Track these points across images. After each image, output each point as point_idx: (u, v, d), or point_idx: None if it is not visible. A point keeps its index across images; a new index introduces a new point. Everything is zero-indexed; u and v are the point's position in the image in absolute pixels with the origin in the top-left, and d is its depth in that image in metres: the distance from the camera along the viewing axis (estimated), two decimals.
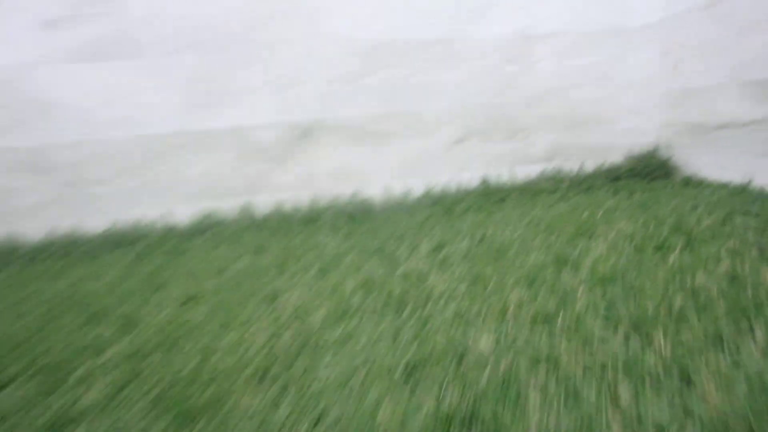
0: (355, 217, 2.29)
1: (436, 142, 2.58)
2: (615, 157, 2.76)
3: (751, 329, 1.01)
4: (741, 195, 2.03)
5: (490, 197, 2.47)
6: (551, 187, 2.55)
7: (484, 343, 1.03)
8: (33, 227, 2.26)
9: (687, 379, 0.89)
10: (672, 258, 1.34)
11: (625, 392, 0.86)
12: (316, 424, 0.87)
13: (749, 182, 2.15)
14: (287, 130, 2.38)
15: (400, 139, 2.53)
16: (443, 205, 2.39)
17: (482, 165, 2.65)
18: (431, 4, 2.50)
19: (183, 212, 2.31)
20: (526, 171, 2.68)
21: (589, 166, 2.74)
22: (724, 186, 2.21)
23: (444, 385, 0.92)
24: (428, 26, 2.51)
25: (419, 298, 1.26)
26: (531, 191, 2.53)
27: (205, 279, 1.65)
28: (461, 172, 2.62)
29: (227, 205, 2.34)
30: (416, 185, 2.55)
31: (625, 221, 1.77)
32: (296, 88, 2.38)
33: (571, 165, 2.72)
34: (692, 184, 2.38)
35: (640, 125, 2.77)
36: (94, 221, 2.31)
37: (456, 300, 1.23)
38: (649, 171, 2.63)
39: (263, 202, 2.36)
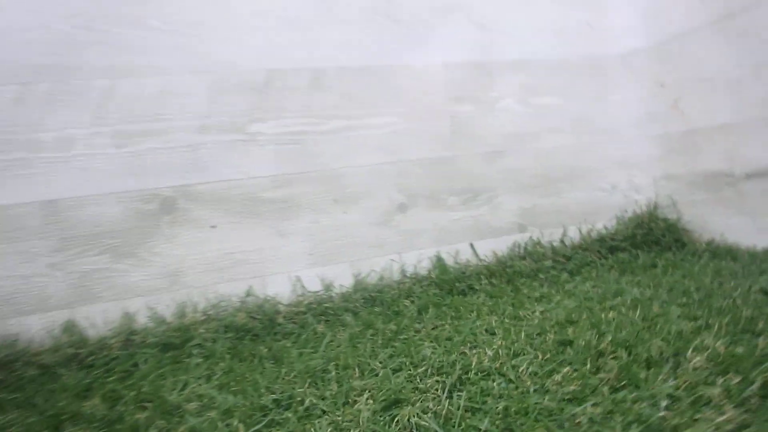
0: (248, 334, 1.55)
1: (366, 213, 1.93)
2: (603, 221, 2.21)
3: None
4: None
5: (450, 287, 1.82)
6: (531, 268, 1.94)
7: None
8: None
9: None
10: None
11: None
12: None
13: None
14: (136, 203, 1.65)
15: (313, 209, 1.86)
16: (384, 304, 1.71)
17: (432, 240, 2.01)
18: (355, 19, 1.91)
19: None
20: (492, 245, 2.07)
21: (573, 233, 2.17)
22: None
23: None
24: (351, 50, 1.91)
25: None
26: (505, 275, 1.90)
27: None
28: (404, 252, 1.97)
29: (36, 325, 1.53)
30: (341, 275, 1.86)
31: (687, 324, 1.15)
32: (151, 138, 1.67)
33: (549, 234, 2.14)
34: (722, 253, 1.83)
35: (632, 180, 2.26)
36: None
37: None
38: (654, 239, 2.08)
39: (98, 318, 1.58)
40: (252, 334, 1.53)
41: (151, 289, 1.63)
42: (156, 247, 1.65)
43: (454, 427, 0.85)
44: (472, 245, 2.05)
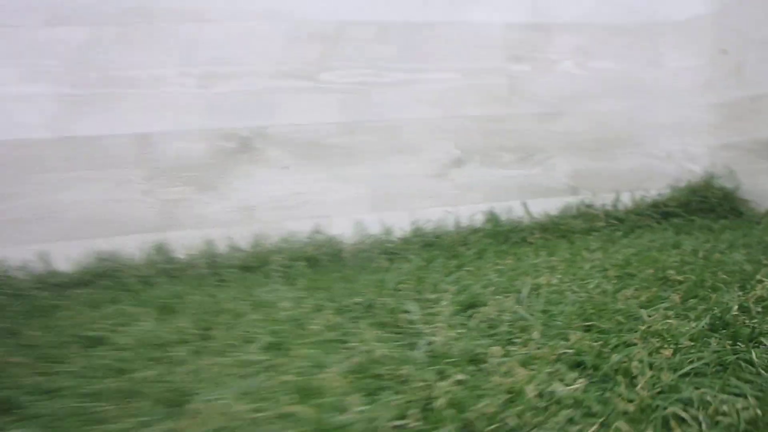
0: (318, 262, 1.73)
1: (423, 165, 2.08)
2: (656, 188, 2.32)
3: None
4: None
5: (505, 238, 1.97)
6: (584, 227, 2.08)
7: None
8: None
9: None
10: None
11: None
12: None
13: None
14: (217, 141, 1.83)
15: (374, 158, 2.02)
16: (442, 248, 1.87)
17: (485, 196, 2.16)
18: None
19: (64, 253, 1.67)
20: (544, 205, 2.21)
21: (625, 199, 2.29)
22: None
23: None
24: (411, 7, 2.05)
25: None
26: (558, 231, 2.04)
27: (71, 356, 1.04)
28: (459, 205, 2.12)
29: (131, 245, 1.74)
30: (399, 221, 2.02)
31: (751, 266, 1.29)
32: (231, 81, 1.85)
33: (601, 198, 2.27)
34: None
35: (687, 148, 2.36)
36: None
37: None
38: (709, 206, 2.19)
39: (184, 242, 1.78)
40: (322, 265, 1.70)
41: (228, 220, 1.83)
42: (234, 183, 1.84)
43: (534, 318, 1.02)
44: (524, 203, 2.19)
